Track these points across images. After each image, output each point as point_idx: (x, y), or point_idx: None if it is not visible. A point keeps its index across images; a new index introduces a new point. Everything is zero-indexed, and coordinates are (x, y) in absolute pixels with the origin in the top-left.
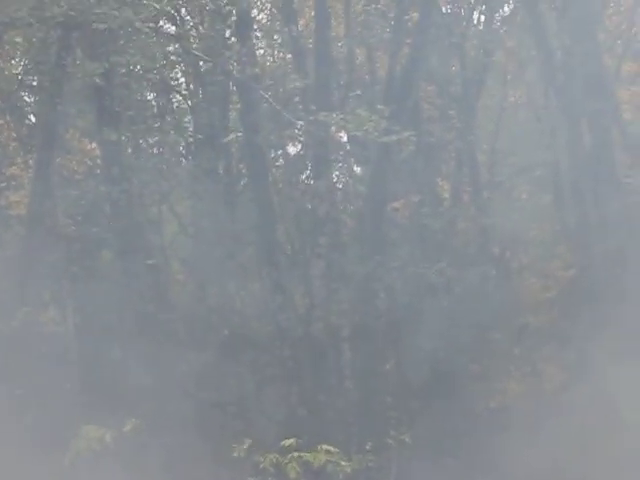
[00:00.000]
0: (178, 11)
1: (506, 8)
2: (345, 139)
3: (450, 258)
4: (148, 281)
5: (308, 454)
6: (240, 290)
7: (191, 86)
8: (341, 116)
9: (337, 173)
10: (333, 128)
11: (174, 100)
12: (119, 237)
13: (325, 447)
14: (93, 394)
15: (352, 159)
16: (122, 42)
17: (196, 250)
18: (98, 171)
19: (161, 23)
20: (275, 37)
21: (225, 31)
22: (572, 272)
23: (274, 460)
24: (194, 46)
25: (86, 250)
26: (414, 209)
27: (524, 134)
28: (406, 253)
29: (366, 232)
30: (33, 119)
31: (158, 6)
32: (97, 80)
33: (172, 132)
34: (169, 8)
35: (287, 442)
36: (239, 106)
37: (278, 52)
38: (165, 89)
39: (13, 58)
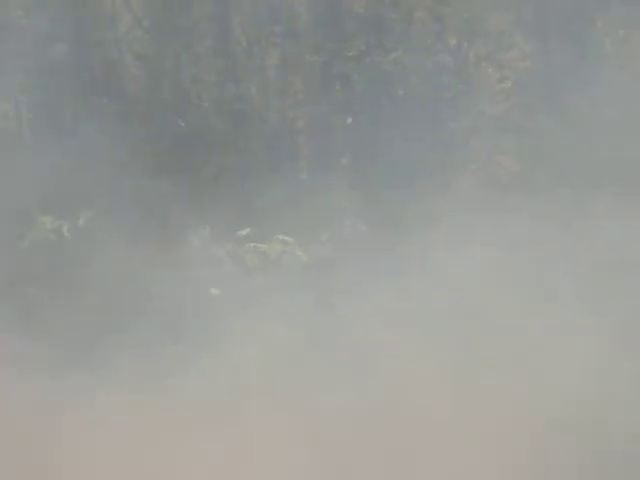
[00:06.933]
0: None
1: None
2: None
3: (406, 47)
4: (102, 75)
5: (264, 245)
6: (195, 82)
7: None
8: None
9: None
10: None
11: None
12: (73, 30)
13: (281, 237)
14: (49, 187)
15: None
16: None
17: (150, 43)
18: None
19: None
20: None
21: None
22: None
23: (231, 250)
24: None
25: (39, 44)
26: None
27: None
28: (362, 42)
29: (322, 21)
30: None
31: None
32: None
33: None
34: None
35: (243, 232)
36: None
37: None
38: None
39: None
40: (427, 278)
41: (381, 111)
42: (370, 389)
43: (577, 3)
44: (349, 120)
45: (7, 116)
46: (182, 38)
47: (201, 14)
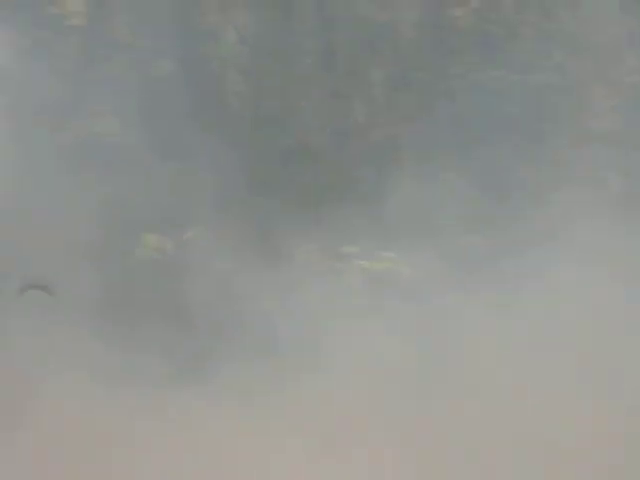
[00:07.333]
0: None
1: None
2: None
3: (512, 64)
4: (207, 91)
5: (368, 262)
6: (300, 99)
7: None
8: None
9: None
10: None
11: None
12: (178, 46)
13: (385, 254)
14: (155, 203)
15: None
16: None
17: (255, 60)
18: None
19: None
20: None
21: None
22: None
23: (335, 267)
24: None
25: (145, 62)
26: (475, 15)
27: None
28: (467, 59)
29: (426, 39)
30: None
31: None
32: None
33: None
34: None
35: (347, 249)
36: None
37: None
38: None
39: None
40: (539, 294)
41: (486, 127)
42: (487, 404)
43: None
44: (452, 136)
45: (114, 133)
46: (287, 55)
47: (306, 31)
